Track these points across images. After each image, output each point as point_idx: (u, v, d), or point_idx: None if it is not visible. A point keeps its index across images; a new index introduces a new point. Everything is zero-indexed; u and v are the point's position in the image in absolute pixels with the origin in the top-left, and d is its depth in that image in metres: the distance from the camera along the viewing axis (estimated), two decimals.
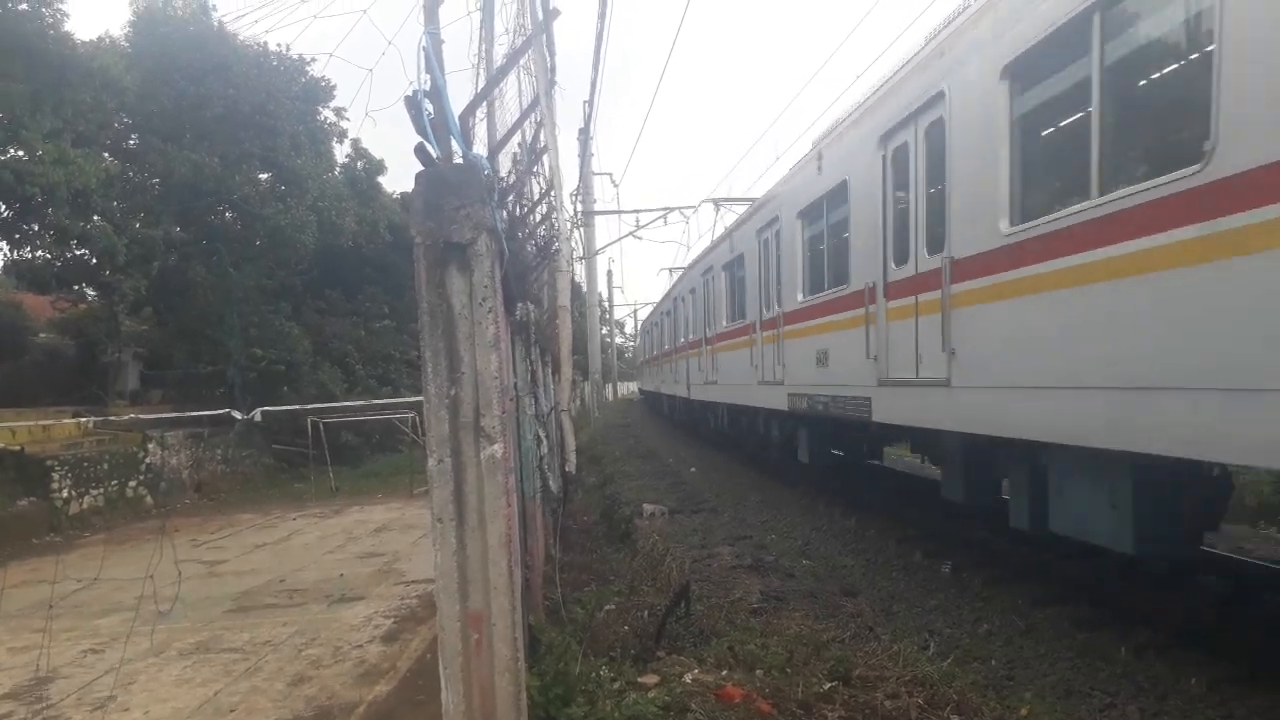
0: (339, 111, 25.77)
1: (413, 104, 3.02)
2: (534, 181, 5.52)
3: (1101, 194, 5.80)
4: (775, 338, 14.00)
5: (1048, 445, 6.72)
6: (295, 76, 24.01)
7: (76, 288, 23.68)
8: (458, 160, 3.20)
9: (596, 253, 27.88)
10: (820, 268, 11.97)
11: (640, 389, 57.16)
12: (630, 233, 32.22)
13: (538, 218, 6.16)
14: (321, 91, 24.90)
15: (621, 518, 13.00)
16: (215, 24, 22.94)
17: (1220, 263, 4.74)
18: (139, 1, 22.61)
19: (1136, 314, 5.43)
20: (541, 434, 4.65)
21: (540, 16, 4.44)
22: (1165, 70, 5.77)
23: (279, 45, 23.71)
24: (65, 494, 16.68)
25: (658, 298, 38.48)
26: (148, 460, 19.29)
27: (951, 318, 7.79)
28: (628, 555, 10.54)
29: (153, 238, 21.49)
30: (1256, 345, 4.52)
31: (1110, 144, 5.91)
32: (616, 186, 57.24)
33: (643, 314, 55.39)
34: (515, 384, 4.65)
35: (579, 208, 27.00)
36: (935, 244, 8.32)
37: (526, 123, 5.01)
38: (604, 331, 57.49)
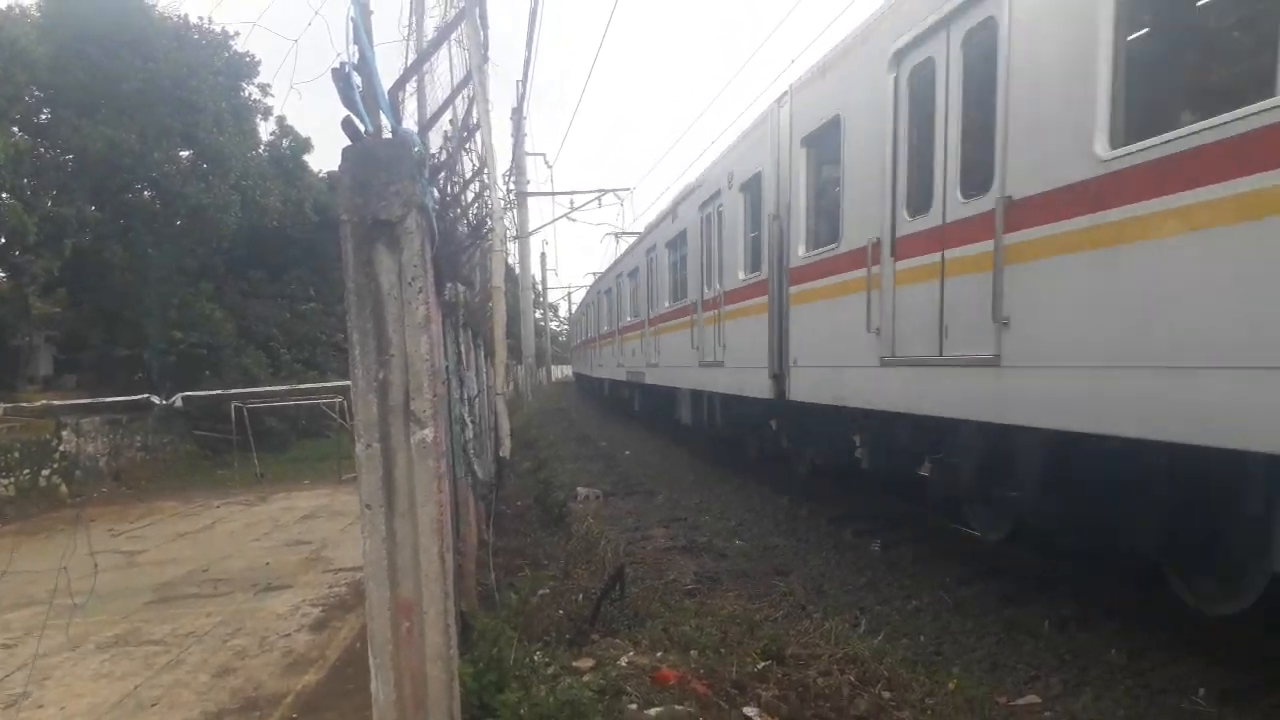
0: (264, 88, 24.97)
1: (340, 77, 2.91)
2: (466, 159, 5.42)
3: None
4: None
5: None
6: (218, 51, 23.22)
7: None
8: (387, 135, 3.09)
9: (530, 234, 27.66)
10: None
11: (575, 372, 56.98)
12: (564, 214, 32.07)
13: (470, 196, 6.07)
14: (246, 67, 24.11)
15: (555, 502, 12.96)
16: None
17: None
18: None
19: None
20: (467, 418, 4.56)
21: None
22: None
23: (200, 18, 22.92)
24: None
25: (590, 280, 38.29)
26: (62, 448, 18.63)
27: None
28: (562, 539, 10.51)
29: (65, 216, 20.62)
30: None
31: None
32: (550, 168, 56.93)
33: (577, 297, 55.16)
34: (446, 367, 4.56)
35: (512, 188, 26.75)
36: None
37: (459, 98, 4.91)
38: (538, 315, 57.17)
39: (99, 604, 9.27)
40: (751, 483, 13.68)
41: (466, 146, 4.79)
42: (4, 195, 19.89)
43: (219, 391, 20.63)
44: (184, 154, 22.99)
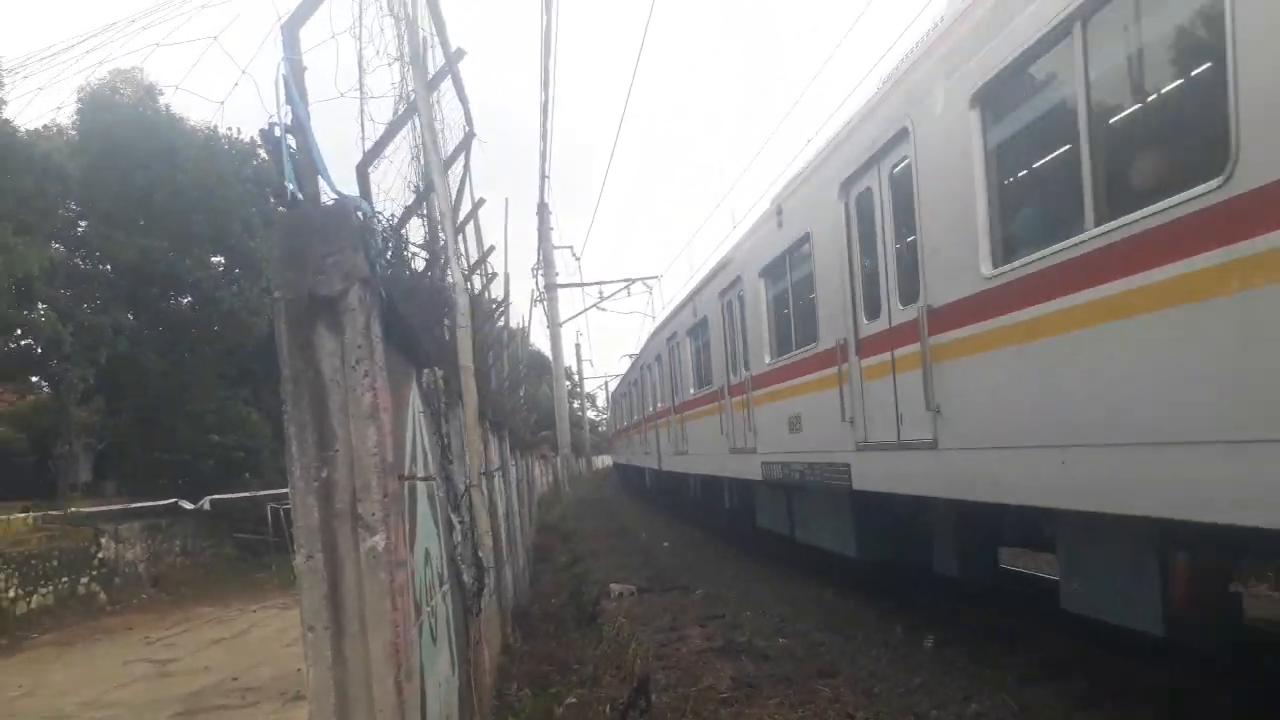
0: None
1: (269, 139, 2.58)
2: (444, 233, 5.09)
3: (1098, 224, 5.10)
4: (744, 404, 13.32)
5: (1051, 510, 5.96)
6: (246, 159, 23.76)
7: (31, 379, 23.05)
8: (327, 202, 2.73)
9: (561, 325, 27.57)
10: (787, 327, 11.39)
11: (614, 462, 56.38)
12: (595, 304, 31.97)
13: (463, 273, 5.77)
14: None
15: (589, 599, 12.36)
16: (163, 109, 22.69)
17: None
18: (85, 89, 22.39)
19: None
20: (454, 520, 4.13)
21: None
22: (1170, 80, 5.05)
23: (229, 129, 23.49)
24: (12, 593, 15.97)
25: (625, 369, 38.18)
26: (100, 555, 18.56)
27: (934, 372, 7.10)
28: (593, 641, 9.91)
29: (101, 325, 20.97)
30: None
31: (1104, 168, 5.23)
32: (578, 259, 56.72)
33: (613, 386, 54.96)
34: (433, 460, 4.15)
35: (540, 281, 26.76)
36: (909, 293, 7.60)
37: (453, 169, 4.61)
38: (574, 405, 56.87)
39: (127, 717, 9.16)
40: (796, 575, 12.96)
41: (421, 212, 4.46)
42: (41, 306, 20.22)
43: (249, 494, 20.49)
44: (216, 260, 23.37)
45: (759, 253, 12.21)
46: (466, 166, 5.43)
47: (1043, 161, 6.13)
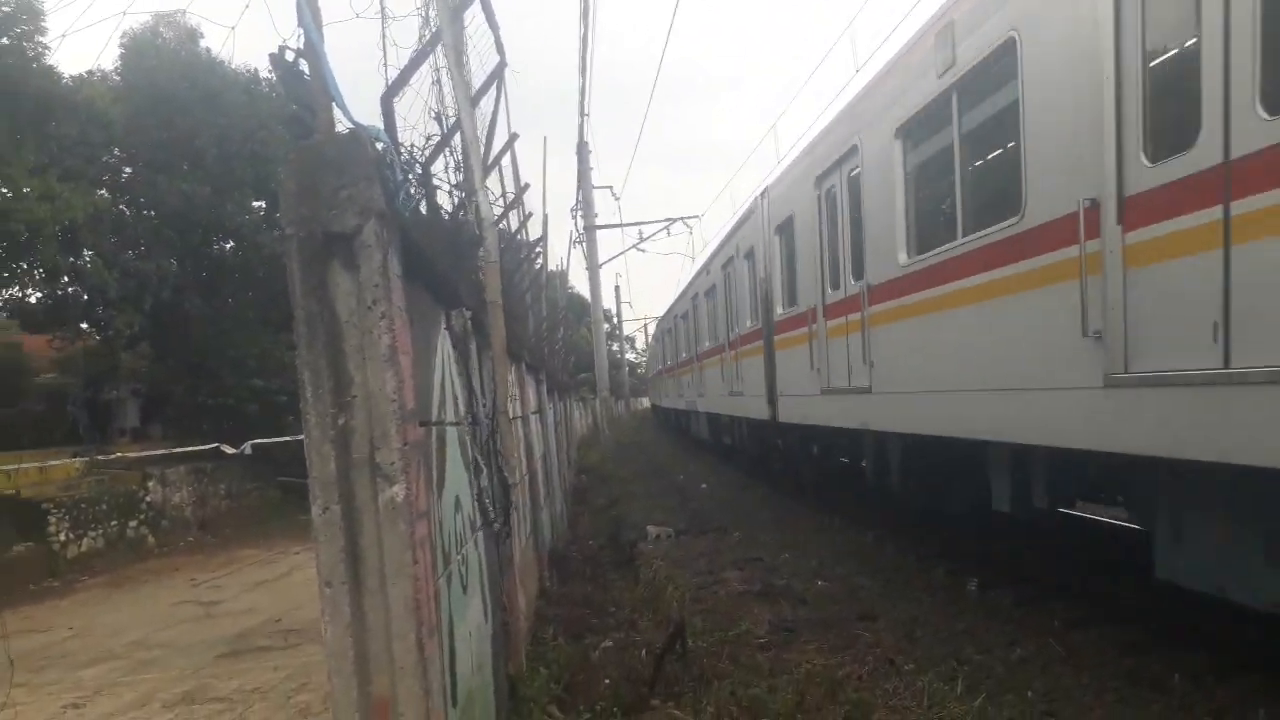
0: None
1: (279, 64, 2.41)
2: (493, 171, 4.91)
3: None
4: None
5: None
6: (287, 102, 23.55)
7: (79, 326, 23.35)
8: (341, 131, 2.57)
9: (600, 266, 27.34)
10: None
11: (651, 404, 56.50)
12: (634, 245, 31.62)
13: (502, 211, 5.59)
14: None
15: (626, 542, 12.35)
16: (204, 52, 22.56)
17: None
18: (127, 34, 22.29)
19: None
20: (481, 460, 4.02)
21: None
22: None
23: (269, 72, 23.30)
24: (63, 537, 16.32)
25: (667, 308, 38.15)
26: (148, 499, 18.90)
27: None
28: (630, 584, 9.89)
29: (146, 271, 21.10)
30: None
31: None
32: (618, 199, 56.19)
33: (652, 328, 54.86)
34: (462, 403, 4.03)
35: (579, 223, 26.51)
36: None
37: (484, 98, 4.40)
38: (614, 347, 56.84)
39: (172, 657, 9.37)
40: (835, 519, 12.84)
41: (450, 145, 4.27)
42: (87, 253, 20.39)
43: (291, 438, 20.70)
44: (257, 204, 23.36)
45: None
46: (499, 99, 5.20)
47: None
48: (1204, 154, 4.68)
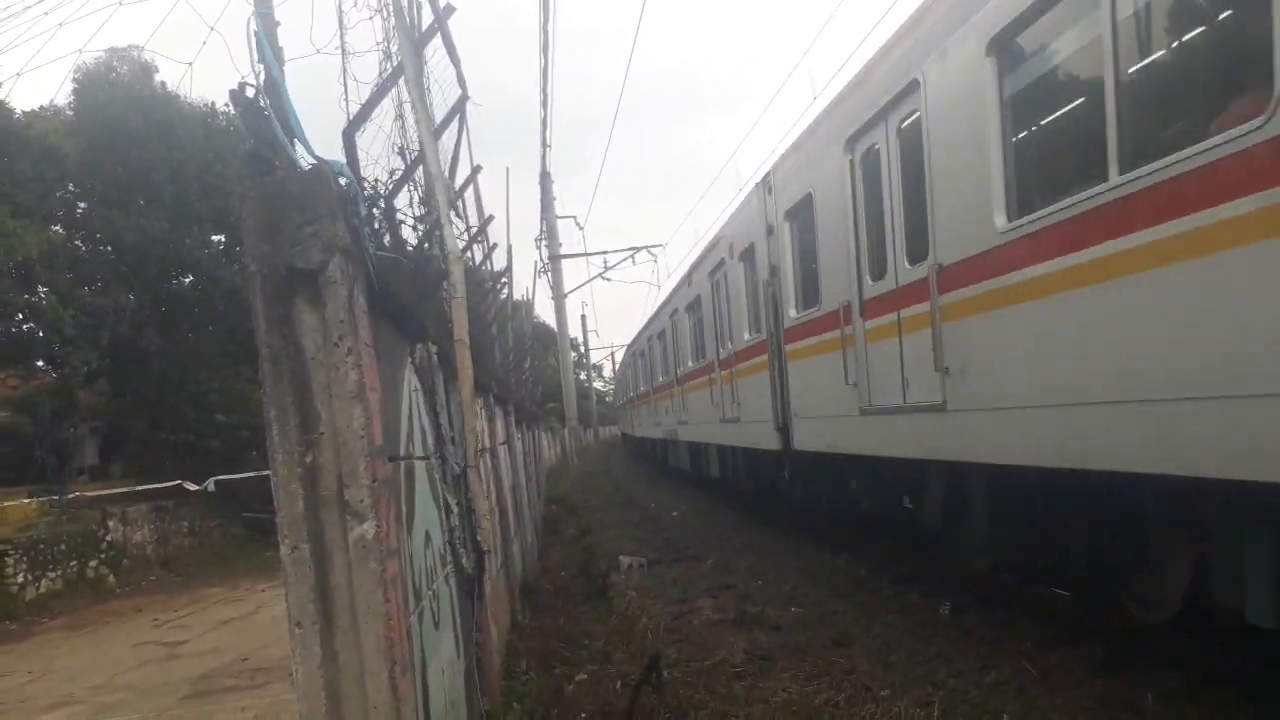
0: None
1: (239, 100, 2.38)
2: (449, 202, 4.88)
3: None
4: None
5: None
6: (245, 136, 23.42)
7: (35, 363, 22.91)
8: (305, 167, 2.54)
9: (565, 295, 27.31)
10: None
11: (621, 433, 56.36)
12: (599, 274, 31.69)
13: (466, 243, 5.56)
14: None
15: (598, 573, 12.26)
16: (159, 86, 22.39)
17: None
18: (81, 69, 22.10)
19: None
20: (451, 501, 3.97)
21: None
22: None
23: (226, 105, 23.17)
24: (21, 578, 15.91)
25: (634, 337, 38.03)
26: (109, 538, 18.51)
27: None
28: (603, 615, 9.80)
29: (103, 307, 20.80)
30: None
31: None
32: (582, 229, 56.21)
33: (619, 357, 54.83)
34: (430, 438, 3.98)
35: (544, 252, 26.51)
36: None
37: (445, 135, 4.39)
38: (581, 376, 56.75)
39: (135, 700, 9.15)
40: (807, 544, 12.84)
41: (413, 178, 4.25)
42: (41, 290, 20.07)
43: (253, 474, 20.40)
44: (216, 238, 23.15)
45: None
46: (461, 132, 5.21)
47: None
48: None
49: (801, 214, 10.63)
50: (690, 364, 19.34)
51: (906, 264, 7.86)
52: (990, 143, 6.31)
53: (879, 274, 8.52)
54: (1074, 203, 5.37)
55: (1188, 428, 4.63)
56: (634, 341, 33.12)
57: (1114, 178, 5.02)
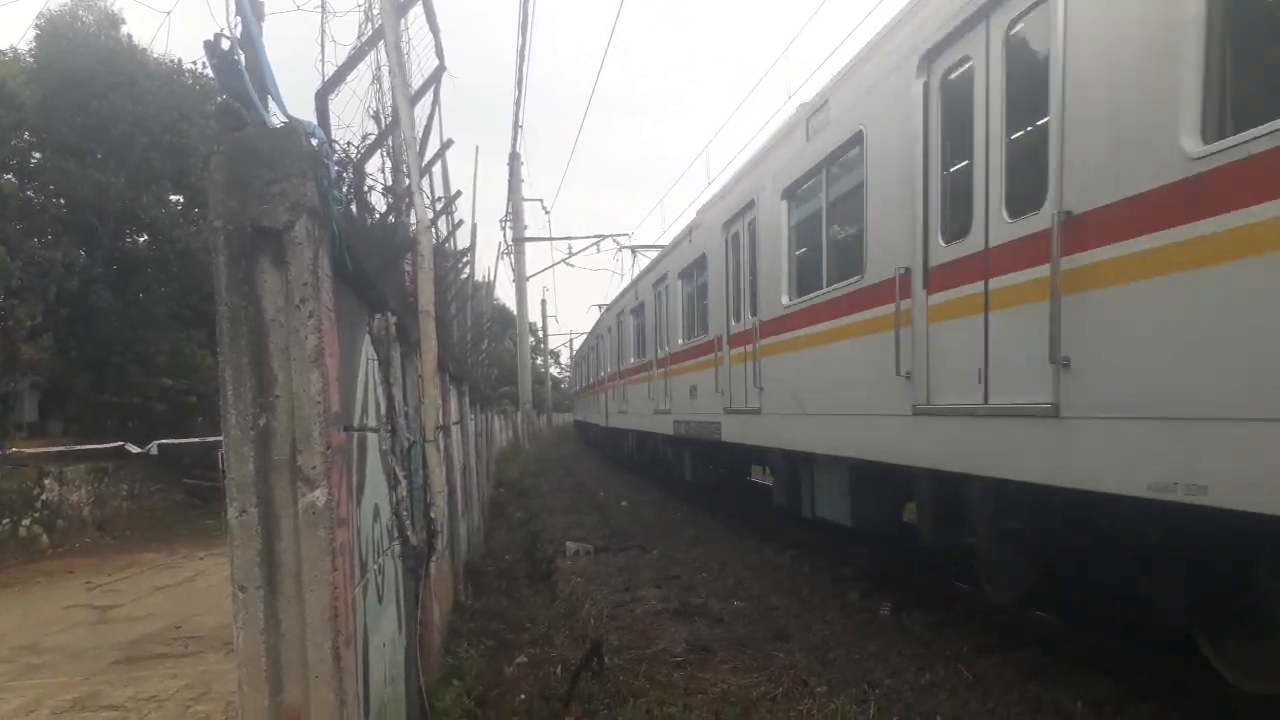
0: None
1: (214, 51, 2.33)
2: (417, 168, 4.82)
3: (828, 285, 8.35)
4: (664, 375, 16.94)
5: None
6: (211, 95, 22.94)
7: None
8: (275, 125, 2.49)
9: (528, 279, 27.19)
10: (692, 317, 14.83)
11: (575, 420, 56.34)
12: (562, 260, 31.54)
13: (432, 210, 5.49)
14: None
15: (543, 557, 12.25)
16: (125, 38, 21.83)
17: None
18: (44, 15, 21.47)
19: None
20: (399, 474, 3.93)
21: None
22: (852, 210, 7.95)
23: (194, 63, 22.67)
24: None
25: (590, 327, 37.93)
26: (44, 496, 18.06)
27: (761, 363, 10.21)
28: (547, 599, 9.81)
29: (51, 260, 20.23)
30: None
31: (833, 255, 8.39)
32: (548, 213, 55.63)
33: (578, 344, 54.71)
34: (384, 410, 3.93)
35: (508, 234, 26.34)
36: (754, 307, 10.51)
37: (382, 85, 4.32)
38: (538, 361, 56.53)
39: (63, 662, 8.97)
40: (752, 539, 12.95)
41: (385, 145, 4.19)
42: None
43: (198, 439, 20.07)
44: (175, 198, 22.66)
45: (681, 258, 15.78)
46: (435, 103, 5.12)
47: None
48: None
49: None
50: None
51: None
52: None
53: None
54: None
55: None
56: (602, 318, 30.95)
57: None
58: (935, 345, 6.77)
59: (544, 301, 66.70)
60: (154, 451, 19.48)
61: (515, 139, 20.48)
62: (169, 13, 3.80)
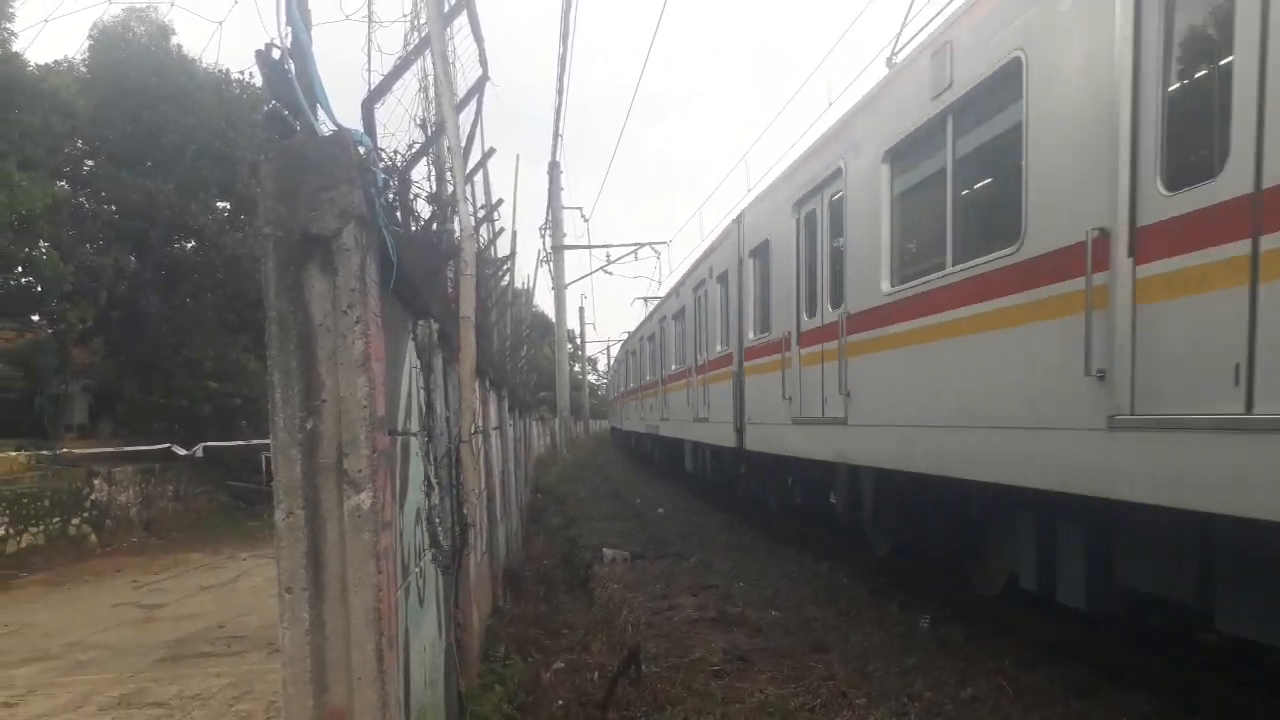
0: None
1: (266, 60, 2.38)
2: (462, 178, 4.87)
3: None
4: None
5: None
6: (257, 104, 23.39)
7: (30, 318, 22.86)
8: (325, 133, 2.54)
9: (566, 286, 27.28)
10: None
11: (611, 426, 56.41)
12: (601, 267, 31.64)
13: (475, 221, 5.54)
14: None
15: (581, 563, 12.27)
16: (175, 49, 22.33)
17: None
18: (97, 25, 22.02)
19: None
20: (434, 479, 3.96)
21: None
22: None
23: (241, 72, 23.12)
24: (1, 531, 15.84)
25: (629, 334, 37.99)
26: (93, 496, 18.47)
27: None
28: (584, 606, 9.82)
29: (103, 265, 20.73)
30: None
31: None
32: (587, 221, 55.50)
33: (615, 351, 54.81)
34: (428, 416, 3.98)
35: (547, 242, 26.50)
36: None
37: (429, 98, 4.37)
38: (575, 368, 56.60)
39: (110, 659, 9.14)
40: (790, 548, 12.88)
41: (430, 152, 4.24)
42: (43, 244, 19.99)
43: (243, 442, 20.38)
44: (222, 205, 23.10)
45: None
46: (478, 112, 5.18)
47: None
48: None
49: (761, 254, 12.51)
50: (673, 367, 20.97)
51: (830, 307, 9.69)
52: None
53: (812, 312, 10.37)
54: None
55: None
56: (645, 321, 30.78)
57: None
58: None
59: (582, 309, 66.80)
60: (199, 454, 19.83)
61: (555, 148, 20.68)
62: (220, 22, 3.87)
